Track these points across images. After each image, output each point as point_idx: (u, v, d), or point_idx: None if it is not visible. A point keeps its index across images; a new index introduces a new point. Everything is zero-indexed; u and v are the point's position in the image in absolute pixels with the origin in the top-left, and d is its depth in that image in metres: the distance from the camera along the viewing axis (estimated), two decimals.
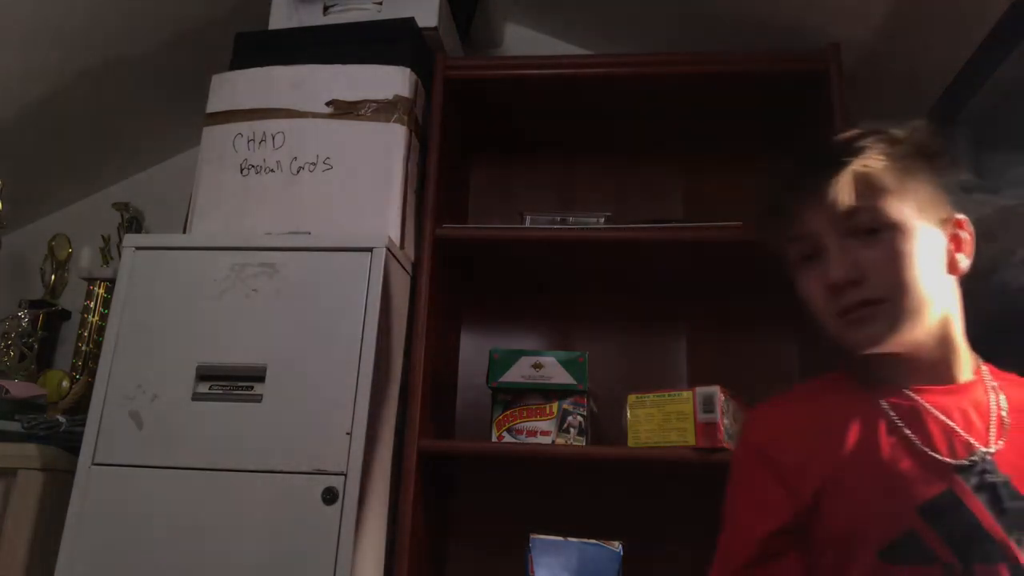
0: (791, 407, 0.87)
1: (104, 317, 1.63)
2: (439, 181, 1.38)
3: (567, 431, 1.26)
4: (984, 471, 0.72)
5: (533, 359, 1.29)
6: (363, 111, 1.34)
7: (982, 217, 1.22)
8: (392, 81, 1.35)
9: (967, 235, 0.82)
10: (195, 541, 1.09)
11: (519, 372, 1.29)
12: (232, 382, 1.17)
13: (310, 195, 1.31)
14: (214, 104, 1.40)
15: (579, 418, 1.26)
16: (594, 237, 1.34)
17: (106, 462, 1.14)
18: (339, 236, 1.24)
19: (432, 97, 1.42)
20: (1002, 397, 0.79)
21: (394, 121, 1.33)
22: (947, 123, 1.49)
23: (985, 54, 1.27)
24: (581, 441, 1.25)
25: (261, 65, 1.41)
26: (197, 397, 1.16)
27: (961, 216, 0.83)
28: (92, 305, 1.68)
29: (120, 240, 1.72)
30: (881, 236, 0.77)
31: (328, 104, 1.35)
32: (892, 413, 0.77)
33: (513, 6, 1.79)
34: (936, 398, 0.78)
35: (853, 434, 0.77)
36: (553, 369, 1.28)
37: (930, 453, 0.74)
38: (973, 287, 1.43)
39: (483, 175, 1.70)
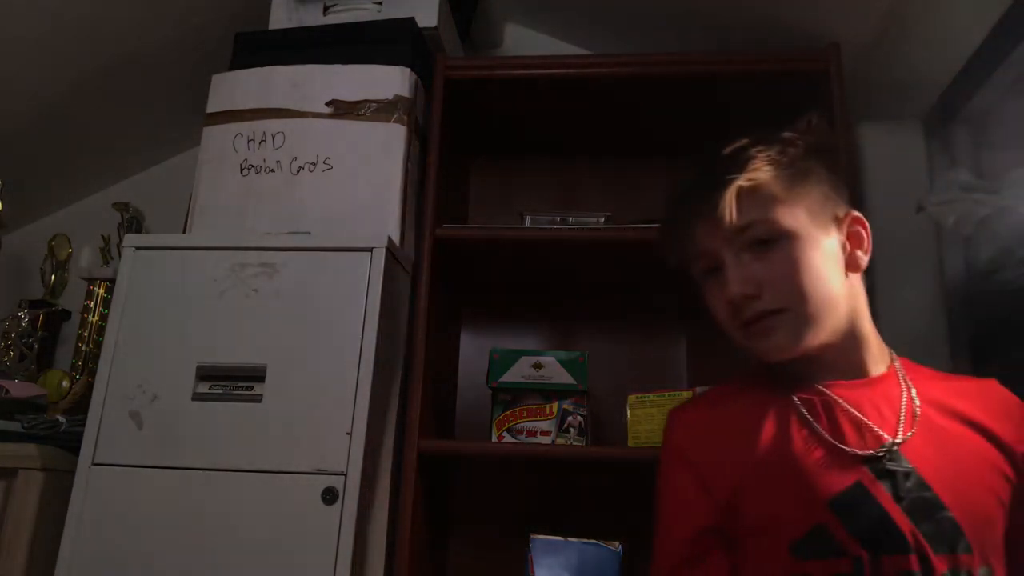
0: (708, 408, 0.88)
1: (104, 317, 1.63)
2: (439, 181, 1.37)
3: (567, 431, 1.26)
4: (891, 462, 0.73)
5: (533, 359, 1.29)
6: (363, 111, 1.34)
7: (982, 217, 1.23)
8: (392, 81, 1.35)
9: (864, 231, 0.83)
10: (195, 541, 1.09)
11: (519, 372, 1.29)
12: (232, 382, 1.17)
13: (310, 195, 1.31)
14: (214, 104, 1.40)
15: (579, 418, 1.26)
16: (594, 237, 1.33)
17: (106, 462, 1.14)
18: (339, 236, 1.24)
19: (432, 97, 1.42)
20: (914, 390, 0.79)
21: (394, 121, 1.33)
22: (947, 123, 1.49)
23: (985, 54, 1.27)
24: (581, 441, 1.25)
25: (261, 65, 1.41)
26: (197, 397, 1.16)
27: (856, 213, 0.83)
28: (92, 305, 1.68)
29: (120, 240, 1.72)
30: (774, 247, 0.78)
31: (328, 104, 1.35)
32: (803, 409, 0.78)
33: (513, 6, 1.79)
34: (847, 392, 0.79)
35: (767, 432, 0.79)
36: (553, 369, 1.28)
37: (840, 446, 0.75)
38: (973, 287, 1.43)
39: (483, 175, 1.71)
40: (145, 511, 1.11)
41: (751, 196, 0.78)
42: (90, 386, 1.20)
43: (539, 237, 1.35)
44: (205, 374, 1.17)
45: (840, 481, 0.72)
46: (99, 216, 1.81)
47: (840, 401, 0.78)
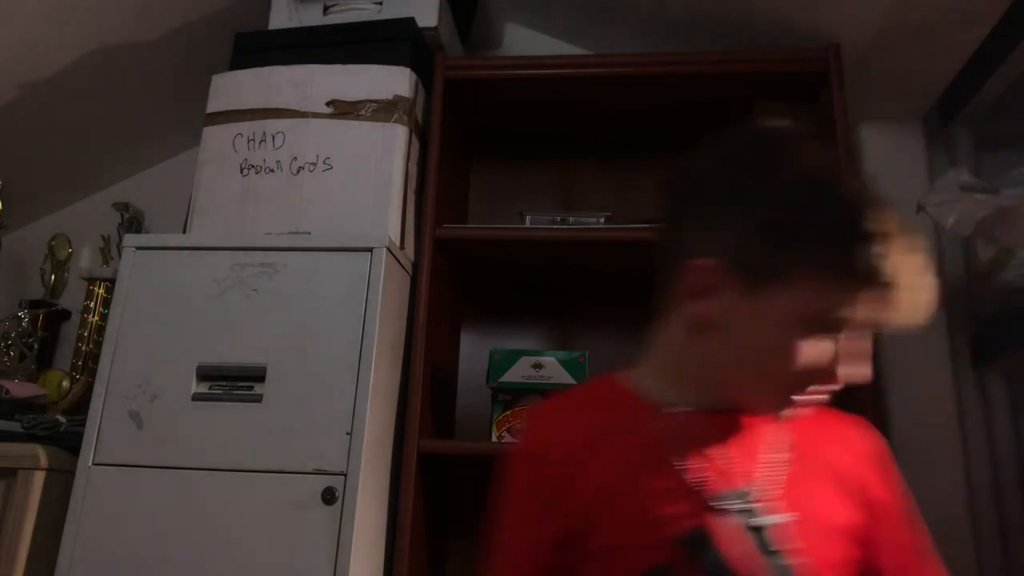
0: (569, 414, 0.81)
1: (104, 317, 1.63)
2: (439, 181, 1.37)
3: None
4: (750, 508, 0.68)
5: (533, 359, 1.29)
6: (363, 111, 1.34)
7: (982, 217, 1.23)
8: (392, 81, 1.35)
9: None
10: (195, 541, 1.09)
11: (519, 372, 1.29)
12: (232, 382, 1.17)
13: (310, 195, 1.31)
14: (214, 104, 1.40)
15: None
16: (594, 237, 1.33)
17: (106, 462, 1.14)
18: (339, 236, 1.24)
19: (432, 97, 1.42)
20: (785, 435, 0.73)
21: (394, 121, 1.33)
22: (947, 123, 1.49)
23: (985, 54, 1.27)
24: None
25: (261, 65, 1.41)
26: (197, 397, 1.16)
27: None
28: (92, 305, 1.68)
29: (120, 240, 1.72)
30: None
31: (328, 104, 1.35)
32: (670, 437, 0.72)
33: (513, 6, 1.79)
34: (721, 426, 0.73)
35: (628, 453, 0.72)
36: (553, 369, 1.28)
37: (699, 484, 0.69)
38: (973, 287, 1.43)
39: (483, 175, 1.70)
40: (145, 511, 1.11)
41: None
42: (90, 386, 1.20)
43: (539, 237, 1.35)
44: (205, 374, 1.17)
45: (689, 520, 0.67)
46: (99, 216, 1.81)
47: (711, 435, 0.72)
